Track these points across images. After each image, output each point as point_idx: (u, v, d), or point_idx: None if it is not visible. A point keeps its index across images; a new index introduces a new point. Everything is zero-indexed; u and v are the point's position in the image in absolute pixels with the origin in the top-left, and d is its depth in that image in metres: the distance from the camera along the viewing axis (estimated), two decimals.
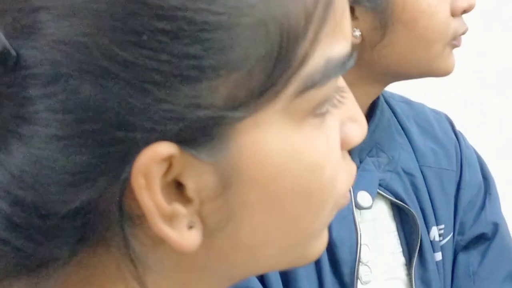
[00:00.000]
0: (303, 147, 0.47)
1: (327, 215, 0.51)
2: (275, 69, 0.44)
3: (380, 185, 1.08)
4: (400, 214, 1.10)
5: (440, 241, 1.13)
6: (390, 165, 1.10)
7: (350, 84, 1.02)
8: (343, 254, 1.03)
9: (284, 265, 0.53)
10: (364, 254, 1.06)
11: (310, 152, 0.47)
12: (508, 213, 1.24)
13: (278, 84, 0.45)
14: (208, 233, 0.47)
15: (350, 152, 1.08)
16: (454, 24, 1.03)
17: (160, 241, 0.46)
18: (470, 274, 1.15)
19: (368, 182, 1.07)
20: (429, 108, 1.24)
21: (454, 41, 1.04)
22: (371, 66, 1.02)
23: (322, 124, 0.48)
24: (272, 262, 0.52)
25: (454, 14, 1.03)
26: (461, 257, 1.16)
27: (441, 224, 1.13)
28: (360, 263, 1.05)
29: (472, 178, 1.18)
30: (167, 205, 0.45)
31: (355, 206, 1.05)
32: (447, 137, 1.19)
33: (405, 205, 1.09)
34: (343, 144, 0.51)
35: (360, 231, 1.05)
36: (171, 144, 0.43)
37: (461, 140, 1.21)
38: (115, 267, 0.48)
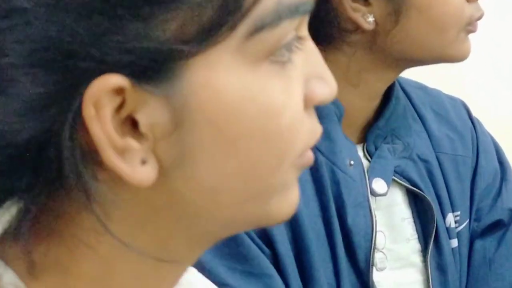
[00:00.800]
0: (258, 89, 0.47)
1: (287, 169, 0.50)
2: (226, 6, 0.45)
3: (395, 172, 1.08)
4: (416, 201, 1.10)
5: (456, 227, 1.13)
6: (406, 152, 1.10)
7: (364, 70, 1.04)
8: (359, 241, 1.03)
9: (249, 221, 0.52)
10: (380, 240, 1.06)
11: (266, 96, 0.47)
12: None
13: (229, 22, 0.45)
14: (164, 172, 0.47)
15: (367, 138, 1.09)
16: (469, 9, 1.02)
17: (118, 179, 0.47)
18: (486, 260, 1.15)
19: (384, 169, 1.07)
20: (445, 95, 1.23)
21: (469, 27, 1.03)
22: (385, 51, 1.01)
23: (281, 72, 0.48)
24: (236, 214, 0.51)
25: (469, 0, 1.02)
26: (478, 244, 1.15)
27: (457, 211, 1.13)
28: (376, 250, 1.05)
29: (488, 164, 1.18)
30: (120, 139, 0.46)
31: (371, 193, 1.05)
32: (463, 124, 1.19)
33: (420, 191, 1.09)
34: (307, 100, 0.50)
35: (375, 217, 1.05)
36: (121, 76, 0.45)
37: (477, 126, 1.20)
38: (80, 215, 0.49)
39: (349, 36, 1.00)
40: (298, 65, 0.50)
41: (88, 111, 0.45)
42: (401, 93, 1.13)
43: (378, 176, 1.06)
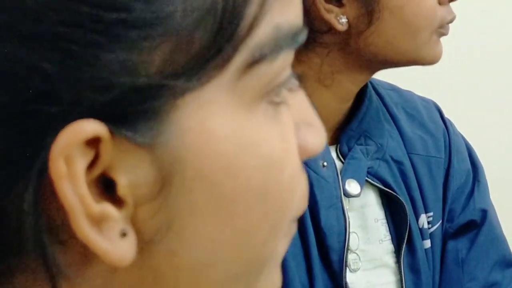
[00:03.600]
0: (257, 137, 0.39)
1: (281, 237, 0.43)
2: (219, 31, 0.37)
3: (368, 173, 1.08)
4: (389, 202, 1.10)
5: (429, 228, 1.13)
6: (379, 153, 1.10)
7: (337, 71, 1.03)
8: (332, 242, 1.03)
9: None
10: (353, 241, 1.06)
11: (266, 146, 0.39)
12: (496, 200, 1.24)
13: (224, 52, 0.37)
14: (143, 246, 0.38)
15: (340, 139, 1.08)
16: (441, 12, 1.02)
17: (89, 258, 0.38)
18: (459, 261, 1.15)
19: (357, 170, 1.07)
20: (418, 96, 1.24)
21: (441, 29, 1.03)
22: (358, 53, 1.01)
23: (277, 116, 0.41)
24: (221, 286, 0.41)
25: (441, 2, 1.02)
26: (450, 244, 1.16)
27: (429, 212, 1.13)
28: (349, 251, 1.05)
29: (460, 165, 1.18)
30: (95, 204, 0.36)
31: (344, 194, 1.05)
32: (436, 125, 1.19)
33: (393, 192, 1.09)
34: (300, 152, 0.43)
35: (348, 219, 1.05)
36: (96, 121, 0.35)
37: (450, 128, 1.21)
38: None
39: (322, 37, 1.00)
40: (288, 111, 0.42)
41: (58, 168, 0.35)
42: (374, 94, 1.13)
43: (351, 177, 1.06)
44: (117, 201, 0.37)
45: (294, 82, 0.43)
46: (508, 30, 1.96)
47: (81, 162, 0.35)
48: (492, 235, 1.18)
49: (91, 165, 0.36)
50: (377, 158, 1.10)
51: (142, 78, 0.35)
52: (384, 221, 1.10)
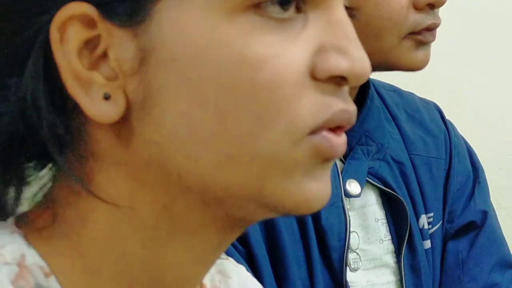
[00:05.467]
0: (233, 38, 0.45)
1: (280, 140, 0.46)
2: None
3: (369, 173, 1.09)
4: (389, 202, 1.10)
5: (429, 229, 1.13)
6: (380, 153, 1.10)
7: None
8: (332, 241, 1.03)
9: (246, 197, 0.48)
10: (353, 241, 1.06)
11: (241, 46, 0.45)
12: (496, 202, 1.24)
13: None
14: (135, 112, 0.47)
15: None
16: (415, 17, 0.99)
17: (105, 134, 0.48)
18: (459, 262, 1.15)
19: (357, 170, 1.07)
20: (419, 97, 1.24)
21: (417, 36, 1.00)
22: None
23: (275, 28, 0.46)
24: (223, 181, 0.48)
25: (416, 6, 0.99)
26: (450, 245, 1.16)
27: (430, 212, 1.13)
28: (349, 250, 1.05)
29: (461, 166, 1.19)
30: (85, 70, 0.47)
31: (344, 194, 1.05)
32: (436, 126, 1.20)
33: (394, 193, 1.09)
34: (317, 70, 0.47)
35: (349, 218, 1.05)
36: (87, 5, 0.46)
37: (450, 129, 1.21)
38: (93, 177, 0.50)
39: None
40: (308, 30, 0.47)
41: (53, 34, 0.46)
42: (375, 95, 1.13)
43: (352, 178, 1.07)
44: (109, 72, 0.47)
45: (319, 6, 0.48)
46: (509, 30, 1.96)
47: (75, 35, 0.46)
48: (492, 236, 1.18)
49: (94, 45, 0.47)
50: (378, 159, 1.10)
51: None
52: (385, 221, 1.10)
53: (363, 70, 0.48)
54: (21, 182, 0.52)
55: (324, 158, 0.48)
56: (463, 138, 1.23)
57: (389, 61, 1.01)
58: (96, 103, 0.47)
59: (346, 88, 0.49)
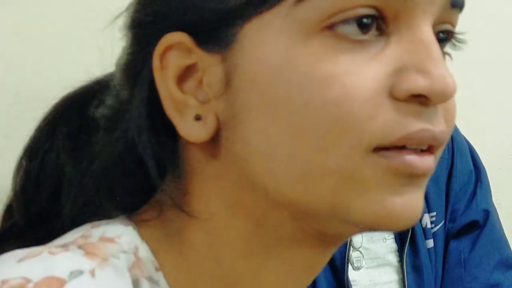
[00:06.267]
0: (305, 57, 0.47)
1: (350, 156, 0.47)
2: None
3: None
4: None
5: (432, 228, 1.13)
6: None
7: None
8: None
9: (325, 210, 0.49)
10: (356, 239, 1.06)
11: (311, 65, 0.46)
12: (497, 201, 1.24)
13: None
14: (223, 131, 0.51)
15: None
16: None
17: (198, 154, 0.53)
18: (461, 261, 1.15)
19: None
20: None
21: None
22: None
23: (351, 49, 0.47)
24: (300, 194, 0.49)
25: None
26: (453, 244, 1.16)
27: (432, 211, 1.13)
28: (352, 248, 1.05)
29: (463, 166, 1.19)
30: (180, 94, 0.51)
31: None
32: None
33: None
34: (395, 90, 0.47)
35: None
36: (183, 34, 0.50)
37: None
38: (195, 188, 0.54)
39: None
40: (388, 51, 0.48)
41: (155, 62, 0.51)
42: None
43: None
44: (200, 95, 0.51)
45: (401, 27, 0.48)
46: (509, 30, 1.97)
47: (173, 61, 0.51)
48: (494, 236, 1.18)
49: (192, 71, 0.51)
50: None
51: (221, 4, 0.49)
52: None
53: (443, 87, 0.47)
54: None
55: (407, 175, 0.48)
56: (465, 138, 1.23)
57: None
58: (189, 124, 0.51)
59: (435, 109, 0.49)
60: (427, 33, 0.48)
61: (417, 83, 0.47)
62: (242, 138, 0.50)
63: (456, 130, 1.22)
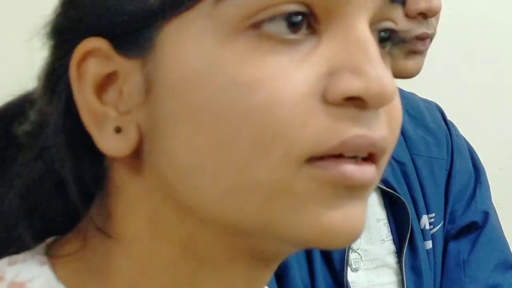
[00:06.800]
0: (229, 61, 0.43)
1: (282, 167, 0.43)
2: None
3: None
4: (391, 202, 1.10)
5: (431, 229, 1.13)
6: None
7: None
8: None
9: (257, 228, 0.45)
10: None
11: (236, 69, 0.42)
12: (496, 202, 1.24)
13: None
14: (145, 143, 0.46)
15: None
16: (405, 25, 0.99)
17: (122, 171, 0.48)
18: (460, 262, 1.15)
19: None
20: (420, 98, 1.24)
21: (409, 45, 1.00)
22: None
23: (279, 50, 0.43)
24: (230, 211, 0.44)
25: (408, 15, 0.99)
26: (452, 245, 1.16)
27: (431, 213, 1.13)
28: (351, 250, 1.05)
29: (462, 167, 1.19)
30: (99, 104, 0.47)
31: None
32: (438, 127, 1.19)
33: (395, 193, 1.09)
34: (328, 93, 0.43)
35: None
36: (101, 39, 0.46)
37: (452, 130, 1.21)
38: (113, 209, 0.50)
39: None
40: (319, 51, 0.44)
41: (72, 71, 0.47)
42: None
43: None
44: (120, 105, 0.47)
45: (336, 25, 0.44)
46: (510, 30, 1.97)
47: (90, 71, 0.46)
48: (493, 237, 1.18)
49: (112, 80, 0.47)
50: None
51: (136, 7, 0.45)
52: (386, 221, 1.10)
53: (380, 89, 0.42)
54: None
55: (344, 187, 0.44)
56: (465, 139, 1.23)
57: None
58: (108, 136, 0.47)
59: (375, 113, 0.44)
60: (362, 30, 0.44)
61: (350, 84, 0.42)
62: (165, 151, 0.45)
63: (455, 131, 1.22)
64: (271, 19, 0.43)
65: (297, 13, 0.43)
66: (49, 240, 0.53)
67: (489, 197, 1.21)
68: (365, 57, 0.43)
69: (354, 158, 0.43)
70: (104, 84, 0.47)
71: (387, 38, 0.48)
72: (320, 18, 0.44)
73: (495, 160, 1.79)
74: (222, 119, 0.43)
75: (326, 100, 0.43)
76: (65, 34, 0.48)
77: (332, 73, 0.43)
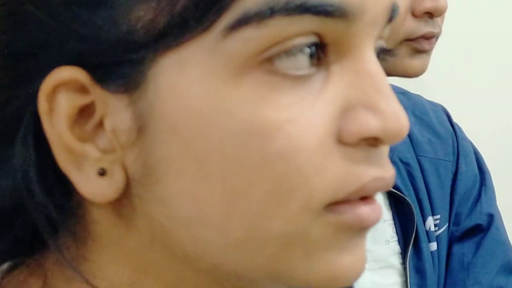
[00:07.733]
0: (240, 103, 0.38)
1: (299, 217, 0.40)
2: None
3: None
4: (396, 203, 1.10)
5: (436, 231, 1.13)
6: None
7: None
8: None
9: (251, 271, 0.42)
10: None
11: (250, 112, 0.38)
12: (501, 204, 1.24)
13: (206, 13, 0.38)
14: (133, 191, 0.41)
15: None
16: (411, 23, 0.99)
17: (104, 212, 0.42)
18: (464, 265, 1.15)
19: None
20: (426, 100, 1.24)
21: (414, 43, 1.00)
22: None
23: (293, 87, 0.39)
24: (236, 265, 0.41)
25: (415, 14, 0.99)
26: (456, 248, 1.16)
27: (436, 214, 1.13)
28: None
29: (468, 169, 1.19)
30: (77, 142, 0.40)
31: None
32: (444, 128, 1.20)
33: (401, 194, 1.09)
34: (343, 134, 0.40)
35: None
36: (78, 69, 0.39)
37: (458, 132, 1.21)
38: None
39: None
40: (330, 87, 0.40)
41: (42, 104, 0.40)
42: None
43: None
44: (106, 145, 0.41)
45: (348, 57, 0.41)
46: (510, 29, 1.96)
47: (64, 103, 0.40)
48: (498, 240, 1.18)
49: (89, 113, 0.40)
50: None
51: (122, 34, 0.38)
52: (391, 222, 1.10)
53: (398, 129, 0.40)
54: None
55: (355, 230, 0.41)
56: (470, 142, 1.23)
57: (385, 67, 1.00)
58: (90, 180, 0.40)
59: (383, 149, 0.42)
60: (372, 62, 0.41)
61: (368, 124, 0.39)
62: (159, 199, 0.40)
63: (461, 133, 1.22)
64: (284, 53, 0.39)
65: (311, 45, 0.40)
66: (4, 266, 0.47)
67: (494, 199, 1.21)
68: (379, 93, 0.40)
69: (365, 198, 0.42)
70: (80, 117, 0.41)
71: (377, 57, 0.45)
72: (329, 49, 0.41)
73: (500, 163, 1.79)
74: (233, 168, 0.39)
75: (341, 140, 0.40)
76: (26, 60, 0.41)
77: (345, 111, 0.40)
